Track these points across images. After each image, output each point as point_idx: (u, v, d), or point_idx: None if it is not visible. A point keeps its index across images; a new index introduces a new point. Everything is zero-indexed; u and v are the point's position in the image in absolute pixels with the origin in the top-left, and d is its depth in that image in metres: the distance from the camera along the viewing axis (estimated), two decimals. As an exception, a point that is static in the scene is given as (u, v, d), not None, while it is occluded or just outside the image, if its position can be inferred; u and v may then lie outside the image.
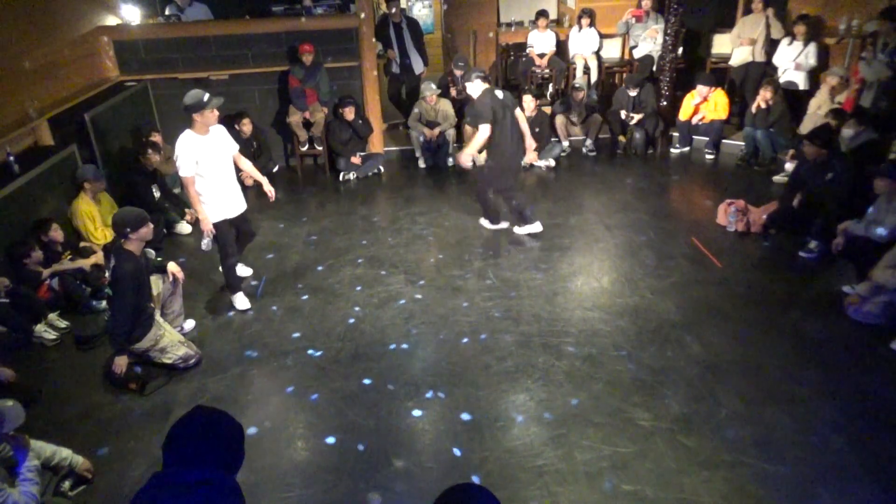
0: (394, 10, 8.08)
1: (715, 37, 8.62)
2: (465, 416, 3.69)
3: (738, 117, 8.05)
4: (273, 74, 7.53)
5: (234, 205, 4.66)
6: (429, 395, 3.88)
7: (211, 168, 4.41)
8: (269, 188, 4.82)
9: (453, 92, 8.05)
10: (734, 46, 7.90)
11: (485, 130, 5.31)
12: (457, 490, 1.68)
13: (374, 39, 7.66)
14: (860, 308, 4.36)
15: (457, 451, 3.44)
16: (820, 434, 3.43)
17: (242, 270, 5.21)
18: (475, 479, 3.22)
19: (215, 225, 4.53)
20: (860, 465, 3.22)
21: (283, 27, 7.44)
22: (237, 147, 4.69)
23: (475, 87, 5.45)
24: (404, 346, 4.37)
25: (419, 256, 5.60)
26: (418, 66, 8.29)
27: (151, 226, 4.04)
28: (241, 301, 4.91)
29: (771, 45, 7.64)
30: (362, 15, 7.34)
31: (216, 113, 4.36)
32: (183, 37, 7.30)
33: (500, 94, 5.47)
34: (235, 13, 8.04)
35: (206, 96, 4.27)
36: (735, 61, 7.96)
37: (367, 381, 4.02)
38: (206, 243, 4.66)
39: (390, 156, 8.11)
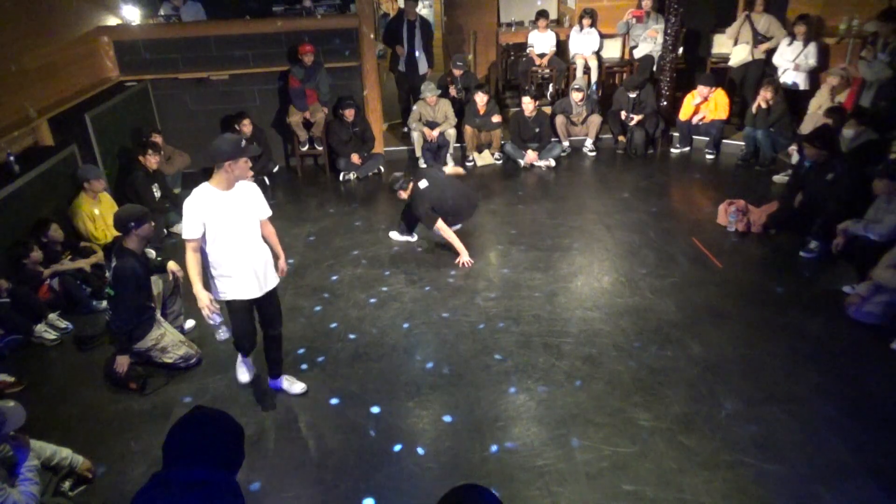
0: (411, 8, 8.06)
1: (715, 37, 8.61)
2: (466, 416, 3.69)
3: (738, 117, 8.04)
4: (273, 74, 7.53)
5: (257, 282, 3.57)
6: (429, 394, 3.88)
7: (225, 233, 3.43)
8: (283, 265, 3.83)
9: (453, 92, 8.05)
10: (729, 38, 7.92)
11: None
12: (460, 490, 1.68)
13: (373, 38, 7.63)
14: (860, 308, 4.36)
15: (457, 451, 3.44)
16: (820, 434, 3.43)
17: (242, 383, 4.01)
18: (475, 480, 3.22)
19: (229, 303, 3.60)
20: (860, 465, 3.22)
21: (283, 27, 7.45)
22: (268, 212, 3.66)
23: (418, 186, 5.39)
24: (404, 346, 4.37)
25: (419, 256, 5.60)
26: (423, 66, 8.30)
27: (153, 224, 4.06)
28: (241, 376, 4.00)
29: (757, 35, 7.60)
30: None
31: (249, 163, 3.45)
32: (183, 37, 7.30)
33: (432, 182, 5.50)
34: (235, 13, 8.04)
35: (244, 142, 3.46)
36: (734, 61, 7.95)
37: (367, 381, 4.02)
38: (221, 333, 3.77)
39: (390, 156, 8.11)
